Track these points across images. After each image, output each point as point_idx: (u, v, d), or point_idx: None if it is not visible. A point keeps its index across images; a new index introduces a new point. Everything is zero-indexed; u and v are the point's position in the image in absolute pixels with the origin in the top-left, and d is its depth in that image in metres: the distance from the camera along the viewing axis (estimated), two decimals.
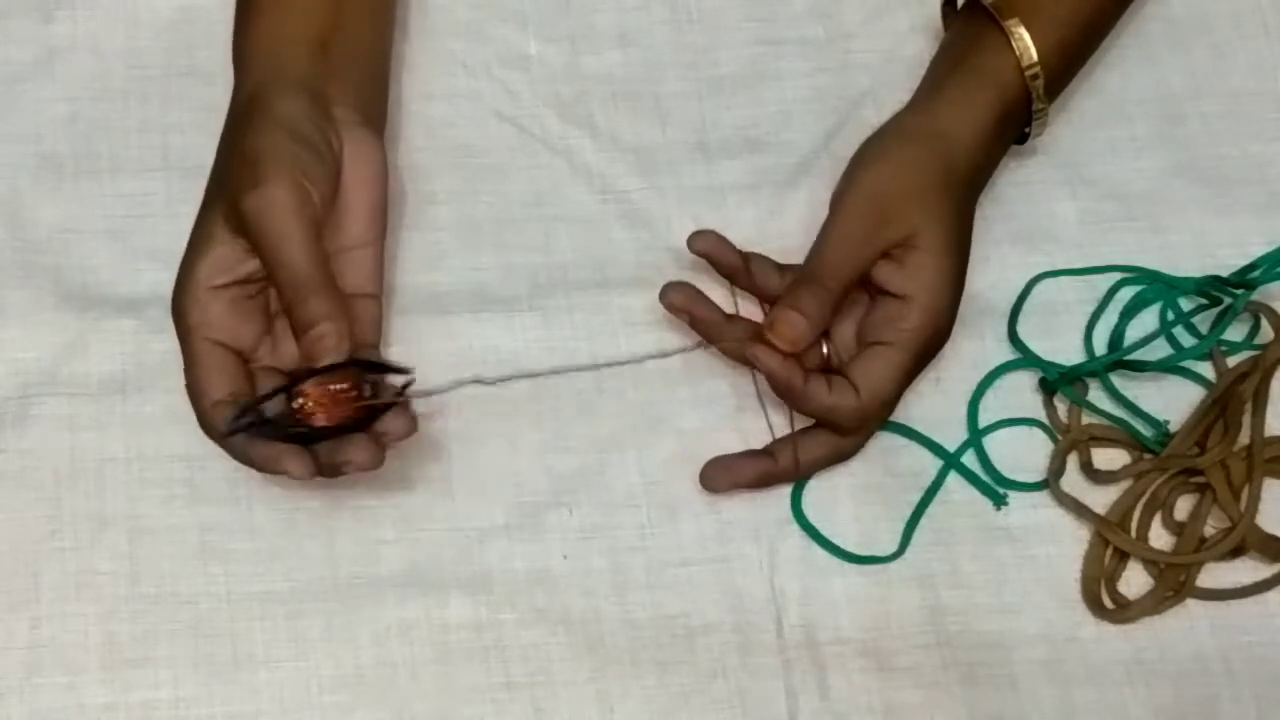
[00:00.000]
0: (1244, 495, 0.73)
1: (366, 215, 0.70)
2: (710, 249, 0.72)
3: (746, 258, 0.73)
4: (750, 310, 0.74)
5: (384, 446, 0.66)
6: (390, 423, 0.66)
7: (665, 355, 0.72)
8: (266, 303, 0.69)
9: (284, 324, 0.68)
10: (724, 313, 0.72)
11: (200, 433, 0.72)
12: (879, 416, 0.72)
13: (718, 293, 0.73)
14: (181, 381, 0.73)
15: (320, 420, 0.64)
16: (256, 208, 0.65)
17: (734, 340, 0.70)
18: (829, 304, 0.69)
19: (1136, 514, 0.74)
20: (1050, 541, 0.73)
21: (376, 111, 0.74)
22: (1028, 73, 0.72)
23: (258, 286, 0.68)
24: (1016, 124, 0.75)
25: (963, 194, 0.72)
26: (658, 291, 0.74)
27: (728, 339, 0.71)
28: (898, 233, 0.70)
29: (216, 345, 0.66)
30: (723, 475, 0.72)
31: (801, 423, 0.72)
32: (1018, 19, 0.72)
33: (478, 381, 0.68)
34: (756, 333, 0.70)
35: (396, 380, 0.66)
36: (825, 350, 0.72)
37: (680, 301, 0.71)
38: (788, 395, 0.70)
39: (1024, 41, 0.72)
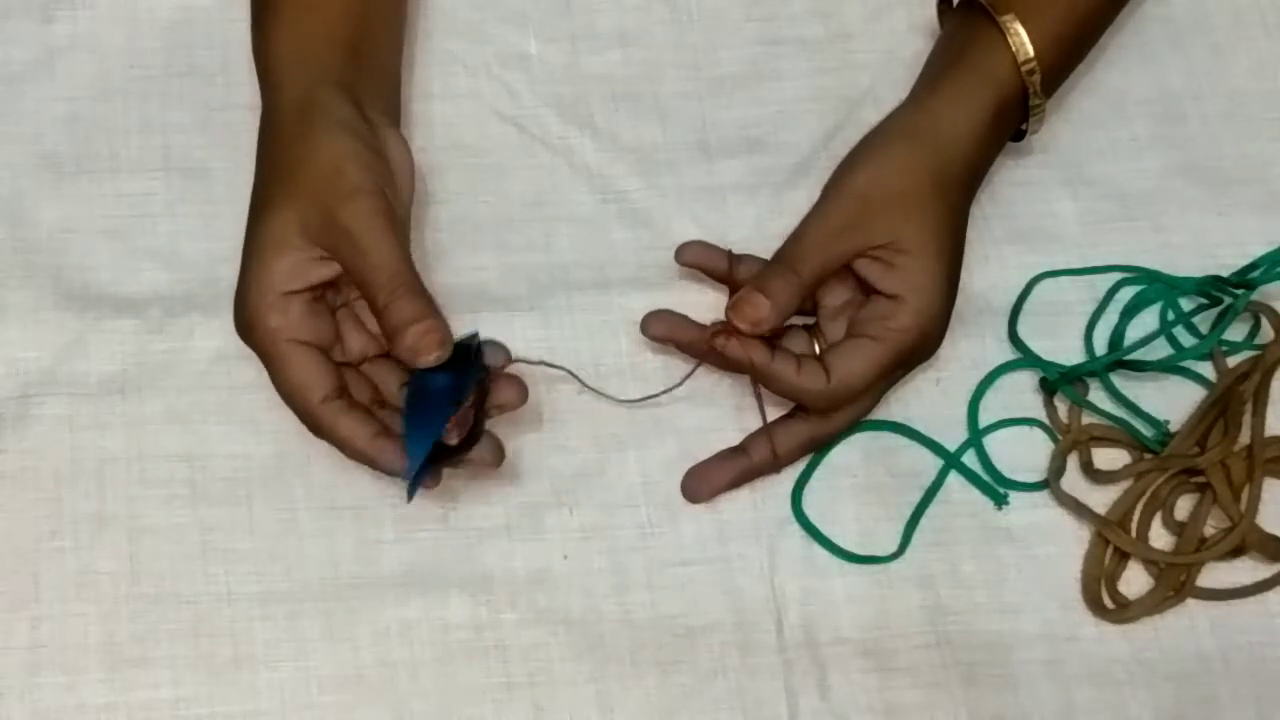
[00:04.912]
0: (1244, 495, 0.73)
1: (401, 210, 0.71)
2: (697, 259, 0.73)
3: (737, 260, 0.73)
4: None
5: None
6: (504, 394, 0.68)
7: (676, 385, 0.73)
8: (328, 303, 0.69)
9: (343, 319, 0.69)
10: (706, 327, 0.72)
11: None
12: (852, 403, 0.71)
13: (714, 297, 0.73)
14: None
15: (455, 439, 0.66)
16: (354, 218, 0.66)
17: (714, 346, 0.70)
18: (796, 290, 0.69)
19: (1137, 514, 0.74)
20: (1050, 541, 0.73)
21: (396, 112, 0.75)
22: (1024, 68, 0.72)
23: (322, 290, 0.68)
24: (1013, 121, 0.75)
25: (958, 194, 0.72)
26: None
27: (707, 349, 0.71)
28: (879, 237, 0.70)
29: (303, 345, 0.67)
30: (702, 484, 0.72)
31: (773, 415, 0.73)
32: (1014, 15, 0.72)
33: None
34: (721, 324, 0.71)
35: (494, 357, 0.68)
36: (816, 346, 0.72)
37: (661, 331, 0.72)
38: (754, 374, 0.71)
39: (1020, 37, 0.72)
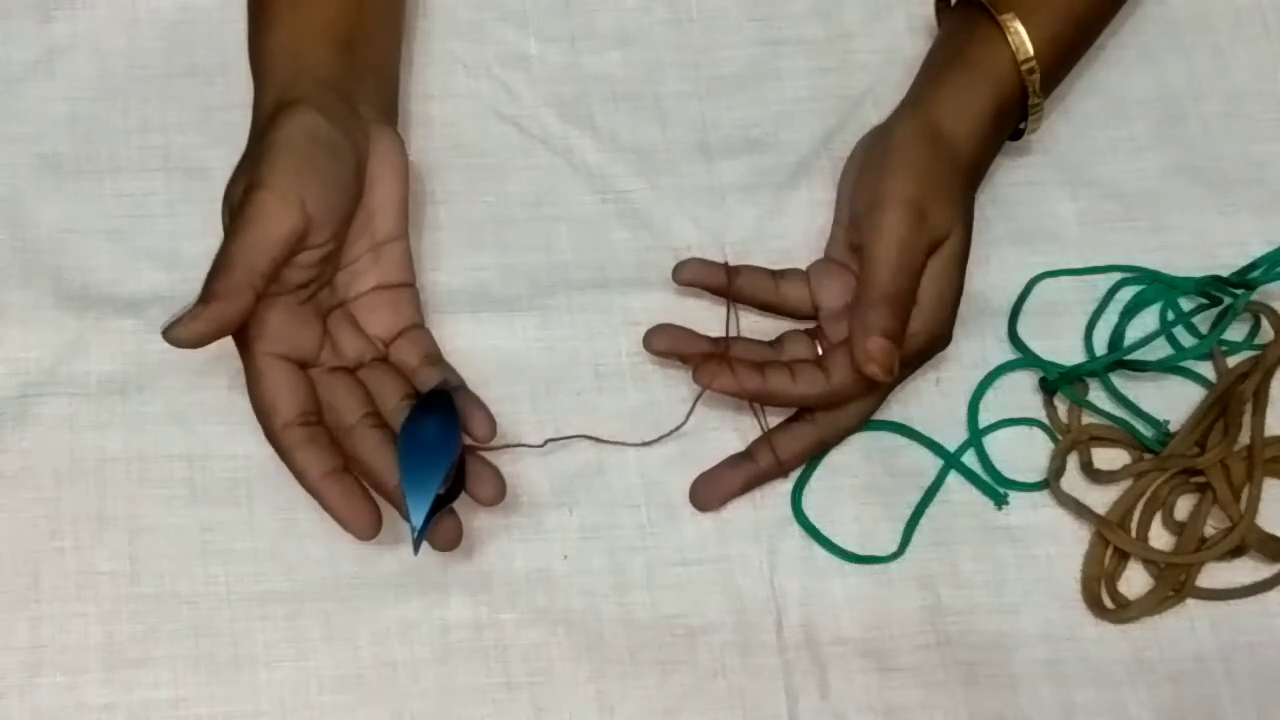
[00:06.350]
0: (1244, 495, 0.73)
1: (394, 210, 0.71)
2: (695, 276, 0.73)
3: (735, 272, 0.73)
4: (750, 321, 0.75)
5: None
6: (481, 489, 0.67)
7: (678, 426, 0.73)
8: (319, 304, 0.69)
9: (339, 321, 0.69)
10: (711, 340, 0.72)
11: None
12: (858, 401, 0.71)
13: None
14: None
15: (443, 489, 0.66)
16: (244, 205, 0.65)
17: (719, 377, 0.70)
18: (903, 314, 0.69)
19: (1136, 514, 0.74)
20: (1050, 541, 0.73)
21: (393, 110, 0.75)
22: (1023, 67, 0.72)
23: (309, 291, 0.68)
24: (1012, 120, 0.75)
25: (963, 194, 0.72)
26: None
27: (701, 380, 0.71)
28: (939, 233, 0.70)
29: (279, 360, 0.66)
30: (712, 492, 0.72)
31: (775, 419, 0.73)
32: (1013, 13, 0.72)
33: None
34: (704, 355, 0.71)
35: (471, 432, 0.68)
36: (819, 349, 0.72)
37: (665, 345, 0.72)
38: (752, 399, 0.71)
39: (1020, 36, 0.72)
